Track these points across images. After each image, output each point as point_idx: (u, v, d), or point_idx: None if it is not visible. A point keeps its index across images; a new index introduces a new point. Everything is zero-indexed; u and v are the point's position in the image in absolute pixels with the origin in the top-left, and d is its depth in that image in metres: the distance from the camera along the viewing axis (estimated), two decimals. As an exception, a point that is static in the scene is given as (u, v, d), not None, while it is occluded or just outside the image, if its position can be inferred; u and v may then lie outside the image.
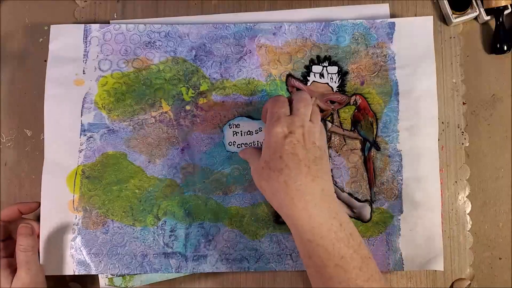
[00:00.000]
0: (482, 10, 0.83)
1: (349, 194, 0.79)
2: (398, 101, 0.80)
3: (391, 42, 0.81)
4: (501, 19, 0.82)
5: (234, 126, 0.76)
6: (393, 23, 0.81)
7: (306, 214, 0.61)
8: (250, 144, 0.78)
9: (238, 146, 0.78)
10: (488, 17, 0.83)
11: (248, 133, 0.75)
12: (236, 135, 0.77)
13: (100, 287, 0.79)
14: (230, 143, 0.77)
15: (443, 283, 0.80)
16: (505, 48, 0.82)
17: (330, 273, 0.61)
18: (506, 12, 0.83)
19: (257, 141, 0.75)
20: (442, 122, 0.82)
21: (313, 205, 0.62)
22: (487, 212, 0.82)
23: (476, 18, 0.85)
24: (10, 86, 0.85)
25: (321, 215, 0.62)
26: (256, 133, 0.75)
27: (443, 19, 0.84)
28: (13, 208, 0.75)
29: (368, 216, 0.79)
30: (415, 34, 0.81)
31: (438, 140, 0.80)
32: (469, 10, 0.83)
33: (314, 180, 0.63)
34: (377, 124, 0.79)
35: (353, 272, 0.61)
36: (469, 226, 0.81)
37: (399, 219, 0.78)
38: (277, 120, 0.65)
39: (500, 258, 0.81)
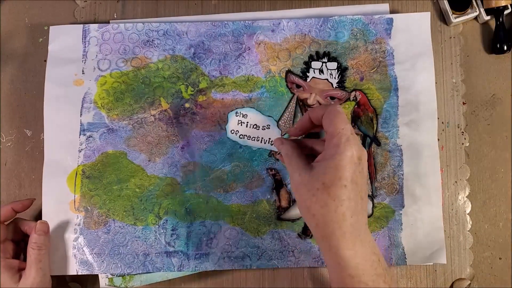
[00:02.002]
0: (482, 10, 0.83)
1: (350, 190, 0.79)
2: (397, 96, 0.80)
3: (390, 37, 0.81)
4: (501, 19, 0.82)
5: (241, 115, 0.74)
6: (391, 19, 0.81)
7: (354, 250, 0.58)
8: (254, 139, 0.75)
9: (241, 136, 0.76)
10: (488, 17, 0.83)
11: (255, 126, 0.74)
12: (241, 124, 0.75)
13: (100, 287, 0.79)
14: (232, 131, 0.75)
15: (443, 283, 0.80)
16: (505, 48, 0.82)
17: None
18: (506, 12, 0.83)
19: (261, 137, 0.74)
20: (442, 122, 0.82)
21: (360, 240, 0.58)
22: (487, 212, 0.82)
23: (476, 18, 0.85)
24: (10, 86, 0.85)
25: (365, 251, 0.59)
26: (263, 129, 0.73)
27: (443, 19, 0.84)
28: (7, 207, 0.75)
29: (369, 211, 0.79)
30: (413, 30, 0.81)
31: (438, 140, 0.80)
32: (469, 10, 0.83)
33: (364, 214, 0.60)
34: (377, 120, 0.79)
35: None
36: (469, 226, 0.81)
37: (401, 214, 0.78)
38: (347, 141, 0.58)
39: (500, 258, 0.81)
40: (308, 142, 0.67)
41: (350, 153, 0.57)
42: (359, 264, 0.57)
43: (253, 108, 0.64)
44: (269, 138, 0.66)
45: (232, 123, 0.70)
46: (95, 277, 0.80)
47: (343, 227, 0.57)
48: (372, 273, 0.58)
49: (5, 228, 0.75)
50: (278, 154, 0.70)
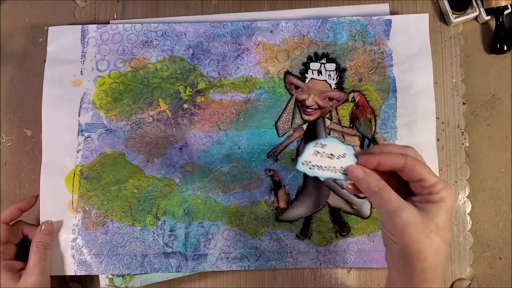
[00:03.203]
0: (482, 10, 0.83)
1: (349, 191, 0.79)
2: (396, 97, 0.80)
3: (388, 39, 0.81)
4: (501, 19, 0.82)
5: (321, 145, 0.63)
6: (389, 20, 0.81)
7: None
8: (325, 168, 0.63)
9: (311, 167, 0.62)
10: (488, 17, 0.83)
11: (330, 156, 0.63)
12: (317, 155, 0.63)
13: (100, 287, 0.79)
14: (304, 163, 0.63)
15: (443, 283, 0.80)
16: (505, 48, 0.82)
17: None
18: (506, 12, 0.82)
19: (333, 167, 0.62)
20: (442, 122, 0.82)
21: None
22: (487, 212, 0.81)
23: (476, 18, 0.84)
24: (10, 86, 0.85)
25: None
26: (338, 158, 0.62)
27: (443, 19, 0.84)
28: (13, 207, 0.75)
29: (368, 212, 0.79)
30: (411, 31, 0.81)
31: (438, 140, 0.80)
32: (469, 10, 0.83)
33: None
34: (375, 121, 0.79)
35: None
36: (469, 226, 0.80)
37: (399, 215, 0.78)
38: (451, 185, 0.59)
39: (500, 258, 0.81)
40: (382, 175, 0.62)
41: (456, 197, 0.57)
42: None
43: (335, 138, 0.60)
44: (341, 167, 0.62)
45: (308, 153, 0.63)
46: (95, 277, 0.81)
47: (444, 270, 0.57)
48: None
49: (9, 229, 0.75)
50: (348, 183, 0.65)
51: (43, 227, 0.75)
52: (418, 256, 0.56)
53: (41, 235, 0.74)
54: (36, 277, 0.72)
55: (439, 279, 0.56)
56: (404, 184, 0.60)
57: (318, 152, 0.60)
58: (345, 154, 0.60)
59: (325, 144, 0.60)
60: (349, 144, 0.60)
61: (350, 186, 0.63)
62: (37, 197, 0.79)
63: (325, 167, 0.62)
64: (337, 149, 0.60)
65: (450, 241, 0.57)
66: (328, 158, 0.61)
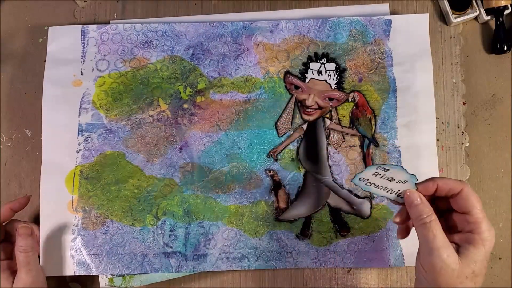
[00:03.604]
0: (482, 10, 0.83)
1: (349, 190, 0.79)
2: (396, 97, 0.80)
3: (388, 39, 0.81)
4: (501, 19, 0.82)
5: (383, 169, 0.63)
6: (390, 20, 0.81)
7: None
8: (381, 188, 0.64)
9: (367, 184, 0.64)
10: (488, 17, 0.83)
11: (389, 179, 0.64)
12: (377, 175, 0.64)
13: (100, 287, 0.79)
14: (361, 178, 0.64)
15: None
16: (505, 48, 0.82)
17: None
18: (506, 12, 0.82)
19: (391, 188, 0.64)
20: (442, 122, 0.82)
21: None
22: (487, 212, 0.80)
23: (476, 18, 0.85)
24: (10, 86, 0.85)
25: None
26: (397, 182, 0.63)
27: (443, 19, 0.84)
28: (5, 208, 0.75)
29: (368, 212, 0.79)
30: (411, 31, 0.81)
31: (438, 140, 0.80)
32: (469, 10, 0.83)
33: None
34: (375, 121, 0.79)
35: None
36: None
37: (399, 215, 0.78)
38: (492, 229, 0.58)
39: (500, 258, 0.81)
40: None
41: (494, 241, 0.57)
42: None
43: (401, 166, 0.61)
44: (399, 190, 0.62)
45: (368, 172, 0.63)
46: (95, 277, 0.81)
47: None
48: None
49: (3, 229, 0.75)
50: (397, 218, 0.66)
51: (19, 231, 0.74)
52: None
53: (20, 239, 0.73)
54: (24, 281, 0.72)
55: None
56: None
57: (379, 174, 0.61)
58: (406, 181, 0.61)
59: (388, 169, 0.61)
60: (414, 174, 0.60)
61: (398, 220, 0.64)
62: (29, 197, 0.78)
63: (381, 186, 0.63)
64: (399, 175, 0.61)
65: (481, 285, 0.57)
66: (388, 180, 0.62)
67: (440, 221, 0.58)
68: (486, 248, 0.56)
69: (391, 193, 0.62)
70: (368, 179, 0.62)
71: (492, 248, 0.57)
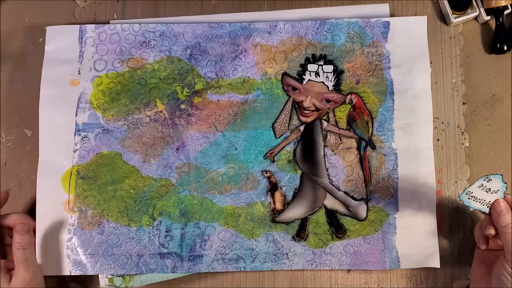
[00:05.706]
0: (482, 10, 0.82)
1: (345, 192, 0.79)
2: (393, 100, 0.79)
3: (386, 41, 0.81)
4: (501, 19, 0.82)
5: (488, 179, 0.67)
6: (388, 22, 0.81)
7: None
8: (478, 201, 0.68)
9: (469, 197, 0.68)
10: (488, 17, 0.83)
11: (487, 190, 0.67)
12: (480, 187, 0.67)
13: (100, 287, 0.79)
14: (468, 193, 0.68)
15: (443, 283, 0.80)
16: (505, 48, 0.82)
17: None
18: (506, 12, 0.82)
19: (484, 199, 0.68)
20: (442, 122, 0.82)
21: None
22: (487, 212, 0.81)
23: (476, 18, 0.84)
24: (10, 86, 0.85)
25: None
26: (491, 193, 0.67)
27: (443, 19, 0.84)
28: None
29: (364, 214, 0.79)
30: (410, 33, 0.81)
31: (438, 140, 0.80)
32: (469, 10, 0.83)
33: None
34: (372, 123, 0.79)
35: None
36: (470, 226, 0.80)
37: (395, 217, 0.78)
38: None
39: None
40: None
41: None
42: None
43: (500, 175, 0.64)
44: (490, 201, 0.65)
45: (476, 184, 0.66)
46: (95, 277, 0.81)
47: None
48: None
49: None
50: (489, 230, 0.70)
51: (17, 227, 0.73)
52: None
53: (18, 236, 0.73)
54: (23, 278, 0.71)
55: None
56: None
57: (483, 185, 0.65)
58: (498, 190, 0.65)
59: (491, 179, 0.64)
60: (505, 183, 0.65)
61: (492, 232, 0.67)
62: (7, 192, 0.77)
63: (479, 199, 0.66)
64: (496, 184, 0.65)
65: None
66: (485, 192, 0.65)
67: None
68: None
69: (483, 205, 0.68)
70: (472, 192, 0.66)
71: None
